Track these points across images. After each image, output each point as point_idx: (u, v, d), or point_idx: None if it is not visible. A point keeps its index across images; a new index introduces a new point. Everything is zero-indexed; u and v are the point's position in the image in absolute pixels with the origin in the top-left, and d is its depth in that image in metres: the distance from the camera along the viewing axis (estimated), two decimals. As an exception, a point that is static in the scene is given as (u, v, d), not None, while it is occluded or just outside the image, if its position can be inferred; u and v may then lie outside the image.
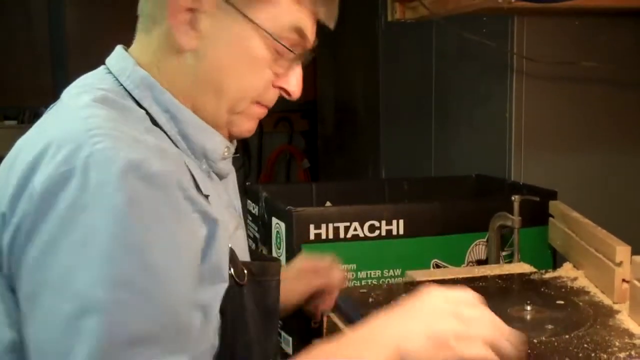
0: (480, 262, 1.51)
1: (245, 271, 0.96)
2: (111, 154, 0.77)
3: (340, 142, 3.52)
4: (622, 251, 1.12)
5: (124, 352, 0.75)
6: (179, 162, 0.87)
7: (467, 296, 0.88)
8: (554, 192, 1.57)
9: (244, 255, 1.01)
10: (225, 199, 1.02)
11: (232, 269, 0.93)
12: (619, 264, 1.13)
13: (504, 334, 0.85)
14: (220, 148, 0.95)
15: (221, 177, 1.02)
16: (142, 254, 0.79)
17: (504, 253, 1.51)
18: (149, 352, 0.76)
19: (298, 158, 4.14)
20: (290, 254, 1.43)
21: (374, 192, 1.84)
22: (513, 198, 1.40)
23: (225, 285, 0.90)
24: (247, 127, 0.97)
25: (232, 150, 1.00)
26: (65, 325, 0.74)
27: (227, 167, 1.02)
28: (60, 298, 0.75)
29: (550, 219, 1.50)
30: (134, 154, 0.78)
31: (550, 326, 1.05)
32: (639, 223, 1.81)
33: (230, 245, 0.94)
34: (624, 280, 1.11)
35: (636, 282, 1.05)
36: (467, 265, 1.49)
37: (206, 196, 0.90)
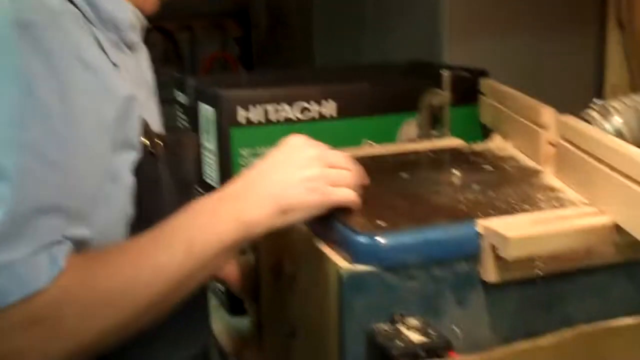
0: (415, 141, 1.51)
1: (159, 142, 0.95)
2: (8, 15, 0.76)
3: (274, 46, 3.46)
4: (547, 113, 1.13)
5: (28, 221, 0.75)
6: (83, 27, 0.85)
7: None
8: (485, 70, 1.57)
9: (157, 128, 1.00)
10: (137, 73, 1.00)
11: (144, 140, 0.92)
12: (544, 127, 1.13)
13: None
14: (129, 16, 0.94)
15: (132, 48, 1.00)
16: (47, 120, 0.77)
17: (435, 132, 1.51)
18: (55, 221, 0.77)
19: (233, 65, 4.06)
20: (221, 140, 1.40)
21: (307, 80, 1.81)
22: (442, 73, 1.39)
23: (135, 154, 0.89)
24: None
25: (142, 20, 0.98)
26: None
27: (137, 38, 1.00)
28: None
29: (481, 96, 1.50)
30: (34, 15, 0.77)
31: (476, 186, 1.06)
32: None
33: (142, 116, 0.92)
34: (549, 142, 1.12)
35: (562, 142, 1.05)
36: (399, 144, 1.49)
37: (115, 65, 0.88)
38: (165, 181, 0.96)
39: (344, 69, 1.86)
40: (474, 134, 1.51)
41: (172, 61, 4.05)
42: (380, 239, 0.88)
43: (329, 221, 0.94)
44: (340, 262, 0.90)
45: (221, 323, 1.52)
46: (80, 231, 0.81)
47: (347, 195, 0.93)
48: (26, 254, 0.75)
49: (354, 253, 0.89)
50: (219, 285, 1.57)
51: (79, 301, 0.79)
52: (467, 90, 1.51)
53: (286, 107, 1.43)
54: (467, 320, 0.92)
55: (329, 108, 1.45)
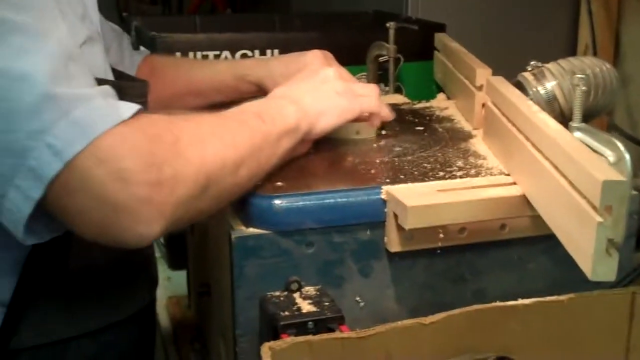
0: (361, 97, 1.45)
1: None
2: None
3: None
4: (482, 74, 1.07)
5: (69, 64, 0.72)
6: None
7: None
8: (442, 25, 1.50)
9: (99, 72, 0.95)
10: (77, 9, 0.94)
11: None
12: (479, 88, 1.07)
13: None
14: None
15: None
16: None
17: (387, 88, 1.45)
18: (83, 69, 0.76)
19: (220, 7, 3.97)
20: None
21: (264, 28, 1.74)
22: (388, 25, 1.32)
23: None
24: None
25: None
26: None
27: None
28: None
29: (435, 52, 1.43)
30: None
31: (398, 149, 1.00)
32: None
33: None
34: (483, 104, 1.06)
35: (489, 104, 1.00)
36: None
37: None
38: None
39: (305, 18, 1.79)
40: (428, 90, 1.45)
41: (159, 1, 3.97)
42: (274, 202, 0.83)
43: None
44: (235, 223, 0.85)
45: (160, 277, 1.49)
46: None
47: (371, 103, 0.99)
48: (96, 92, 0.72)
49: (248, 215, 0.84)
50: (161, 239, 1.53)
51: (180, 127, 0.77)
52: (422, 47, 1.44)
53: (228, 54, 1.37)
54: (371, 291, 0.87)
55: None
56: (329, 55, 1.12)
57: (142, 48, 1.41)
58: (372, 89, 1.01)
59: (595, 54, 1.60)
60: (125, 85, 0.97)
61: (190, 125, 0.78)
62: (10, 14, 0.70)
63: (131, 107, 0.72)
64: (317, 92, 0.94)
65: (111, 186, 0.68)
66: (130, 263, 1.01)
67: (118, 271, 0.99)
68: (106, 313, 0.98)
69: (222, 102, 1.18)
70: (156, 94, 1.25)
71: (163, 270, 1.50)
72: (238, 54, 1.37)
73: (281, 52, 1.38)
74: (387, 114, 1.02)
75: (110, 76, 0.99)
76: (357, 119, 0.98)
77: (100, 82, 0.89)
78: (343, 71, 1.04)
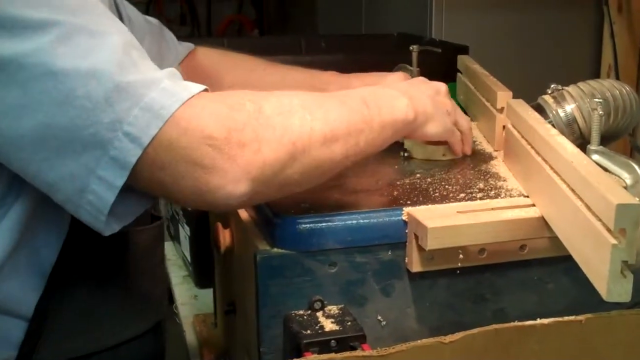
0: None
1: None
2: None
3: (285, 8, 3.42)
4: (503, 97, 1.08)
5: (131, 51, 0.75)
6: None
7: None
8: (465, 47, 1.52)
9: None
10: None
11: None
12: (500, 110, 1.09)
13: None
14: None
15: None
16: None
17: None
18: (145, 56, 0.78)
19: (248, 28, 4.03)
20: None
21: (290, 50, 1.78)
22: (411, 48, 1.34)
23: None
24: None
25: None
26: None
27: None
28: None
29: (458, 74, 1.45)
30: None
31: (419, 170, 1.02)
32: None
33: None
34: (504, 126, 1.07)
35: (510, 126, 1.01)
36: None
37: None
38: None
39: (331, 40, 1.82)
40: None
41: (188, 22, 4.03)
42: (299, 223, 0.85)
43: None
44: (260, 243, 0.87)
45: (187, 295, 1.51)
46: None
47: (457, 137, 1.02)
48: (162, 75, 0.74)
49: (273, 236, 0.87)
50: (187, 257, 1.56)
51: (266, 98, 0.78)
52: (445, 69, 1.46)
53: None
54: (393, 310, 0.89)
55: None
56: (408, 77, 1.14)
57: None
58: (468, 122, 1.05)
59: (618, 74, 1.61)
60: None
61: (278, 97, 0.79)
62: (71, 18, 0.73)
63: (199, 86, 0.75)
64: (433, 99, 0.95)
65: (198, 151, 0.71)
66: (144, 277, 1.03)
67: (135, 286, 1.01)
68: (125, 328, 0.99)
69: None
70: None
71: (190, 289, 1.53)
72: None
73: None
74: (470, 143, 1.06)
75: None
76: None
77: None
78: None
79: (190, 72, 1.24)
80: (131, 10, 1.17)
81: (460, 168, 1.03)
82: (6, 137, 0.72)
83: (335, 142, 0.80)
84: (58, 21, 0.72)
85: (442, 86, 1.00)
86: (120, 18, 1.13)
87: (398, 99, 0.89)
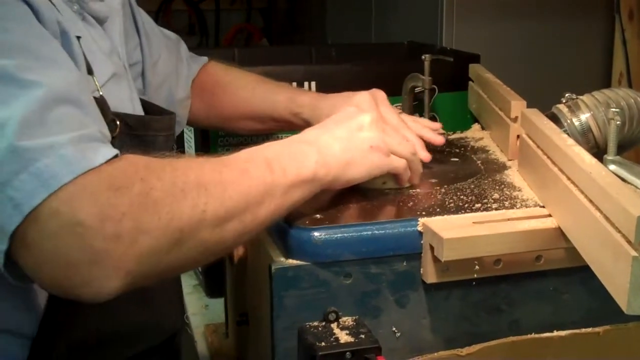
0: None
1: (118, 123, 0.92)
2: None
3: (293, 18, 3.42)
4: (517, 106, 1.08)
5: (51, 110, 0.71)
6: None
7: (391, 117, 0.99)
8: (477, 55, 1.52)
9: (124, 106, 0.97)
10: (105, 45, 0.97)
11: None
12: (514, 120, 1.09)
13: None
14: None
15: (99, 20, 0.98)
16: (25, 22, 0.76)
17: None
18: (77, 113, 0.73)
19: (256, 37, 4.03)
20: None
21: (300, 59, 1.78)
22: (423, 57, 1.34)
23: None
24: None
25: None
26: None
27: (104, 9, 0.97)
28: None
29: (470, 82, 1.45)
30: None
31: (434, 180, 1.02)
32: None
33: (101, 94, 0.89)
34: (518, 136, 1.07)
35: (524, 136, 1.01)
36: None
37: (77, 37, 0.86)
38: None
39: (341, 49, 1.81)
40: (463, 120, 1.47)
41: (197, 32, 4.04)
42: (313, 234, 0.85)
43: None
44: (275, 255, 0.87)
45: (197, 304, 1.51)
46: (105, 131, 0.76)
47: (401, 164, 0.94)
48: (66, 140, 0.69)
49: (287, 247, 0.86)
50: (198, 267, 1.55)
51: (160, 176, 0.72)
52: (456, 78, 1.46)
53: (266, 87, 1.40)
54: (408, 322, 0.88)
55: (310, 88, 1.41)
56: (380, 95, 1.09)
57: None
58: (409, 145, 0.96)
59: (630, 82, 1.61)
60: (149, 120, 0.99)
61: (174, 174, 0.73)
62: (1, 59, 0.71)
63: (106, 154, 0.70)
64: (349, 141, 0.89)
65: (64, 240, 0.66)
66: (158, 289, 1.02)
67: (147, 298, 0.99)
68: (134, 343, 0.99)
69: (281, 130, 1.21)
70: (217, 112, 1.27)
71: (200, 298, 1.52)
72: (283, 86, 1.39)
73: (317, 84, 1.41)
74: (417, 171, 0.97)
75: (138, 108, 1.01)
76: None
77: (122, 117, 0.92)
78: (389, 114, 1.02)
79: (200, 87, 1.25)
80: (150, 27, 1.17)
81: (475, 178, 1.03)
82: None
83: (229, 222, 0.75)
84: None
85: (365, 118, 0.91)
86: (138, 34, 1.13)
87: (306, 155, 0.84)
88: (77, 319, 0.90)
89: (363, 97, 1.08)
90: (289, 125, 1.19)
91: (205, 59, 1.30)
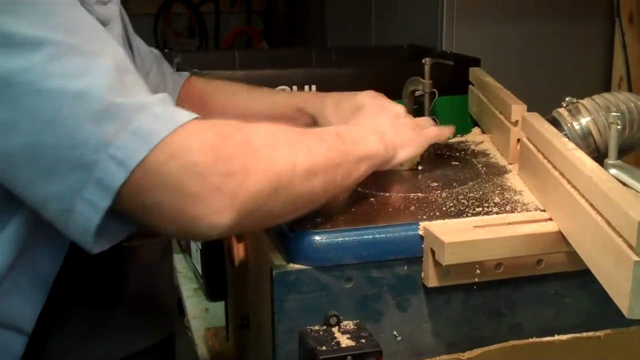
0: (397, 130, 1.47)
1: None
2: None
3: (293, 20, 3.42)
4: (518, 110, 1.08)
5: (124, 75, 0.74)
6: None
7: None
8: (477, 59, 1.52)
9: None
10: None
11: None
12: (515, 123, 1.09)
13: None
14: None
15: (101, 24, 0.98)
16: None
17: (422, 121, 1.46)
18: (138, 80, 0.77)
19: (256, 39, 4.03)
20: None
21: (300, 62, 1.78)
22: (424, 61, 1.34)
23: None
24: None
25: None
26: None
27: (106, 13, 0.97)
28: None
29: (470, 86, 1.45)
30: None
31: (434, 184, 1.02)
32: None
33: None
34: (518, 140, 1.07)
35: (525, 140, 1.01)
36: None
37: None
38: None
39: (341, 52, 1.81)
40: (464, 124, 1.47)
41: (197, 34, 4.04)
42: (314, 238, 0.85)
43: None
44: (276, 259, 0.87)
45: (198, 308, 1.51)
46: None
47: (437, 130, 1.06)
48: (154, 100, 0.73)
49: (288, 251, 0.86)
50: (198, 269, 1.56)
51: (253, 130, 0.78)
52: (457, 81, 1.46)
53: (266, 90, 1.40)
54: (409, 325, 0.89)
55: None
56: (381, 94, 1.14)
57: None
58: (428, 120, 1.10)
59: (630, 85, 1.61)
60: None
61: (264, 129, 0.80)
62: (65, 37, 0.72)
63: (190, 114, 0.74)
64: (395, 127, 0.99)
65: (184, 178, 0.70)
66: (151, 292, 1.03)
67: (140, 300, 1.01)
68: (131, 342, 0.99)
69: None
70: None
71: (200, 301, 1.53)
72: (277, 89, 1.39)
73: (318, 87, 1.41)
74: (446, 136, 1.10)
75: None
76: None
77: None
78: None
79: (185, 99, 1.25)
80: (140, 43, 1.18)
81: (476, 181, 1.03)
82: None
83: (315, 176, 0.81)
84: (51, 40, 0.71)
85: (399, 109, 1.05)
86: (132, 52, 1.14)
87: (369, 134, 0.92)
88: (75, 315, 0.91)
89: (368, 94, 1.12)
90: (291, 124, 1.19)
91: (187, 73, 1.31)
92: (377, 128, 0.95)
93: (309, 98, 1.20)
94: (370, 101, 1.09)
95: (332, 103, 1.15)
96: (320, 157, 0.82)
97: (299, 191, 0.79)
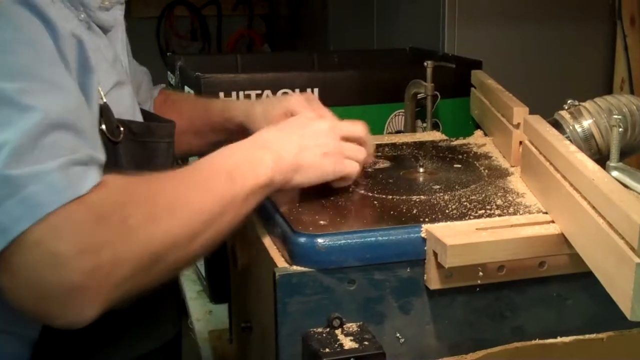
0: (399, 133, 1.48)
1: (122, 129, 0.93)
2: None
3: (295, 24, 3.43)
4: (520, 112, 1.08)
5: (45, 136, 0.73)
6: None
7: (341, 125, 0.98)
8: (479, 61, 1.52)
9: (127, 114, 0.98)
10: (109, 54, 0.98)
11: (104, 125, 0.90)
12: (517, 126, 1.09)
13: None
14: None
15: (104, 29, 0.98)
16: (32, 47, 0.78)
17: (424, 124, 1.47)
18: (70, 138, 0.75)
19: (258, 42, 4.04)
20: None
21: (302, 65, 1.78)
22: (426, 64, 1.35)
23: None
24: None
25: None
26: None
27: (109, 19, 0.98)
28: None
29: (472, 89, 1.45)
30: None
31: (437, 186, 1.02)
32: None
33: (105, 101, 0.90)
34: (520, 142, 1.07)
35: (527, 142, 1.01)
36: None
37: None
38: (126, 167, 0.94)
39: (343, 55, 1.82)
40: (465, 126, 1.47)
41: (199, 38, 4.05)
42: (317, 241, 0.85)
43: (275, 214, 0.92)
44: (279, 261, 0.87)
45: (202, 310, 1.51)
46: (98, 155, 0.78)
47: (355, 168, 0.97)
48: (55, 166, 0.71)
49: (292, 253, 0.86)
50: (202, 272, 1.56)
51: (136, 202, 0.76)
52: (458, 84, 1.46)
53: (269, 93, 1.41)
54: (411, 328, 0.89)
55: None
56: (313, 98, 1.12)
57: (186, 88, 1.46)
58: (360, 151, 0.98)
59: (631, 87, 1.61)
60: (154, 127, 1.01)
61: (148, 197, 0.78)
62: (4, 83, 0.73)
63: (92, 180, 0.73)
64: (303, 147, 0.93)
65: (42, 271, 0.68)
66: (156, 296, 1.03)
67: (144, 305, 1.01)
68: (135, 346, 0.99)
69: (219, 141, 1.17)
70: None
71: (204, 304, 1.53)
72: (279, 92, 1.40)
73: (320, 91, 1.42)
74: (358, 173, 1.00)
75: (138, 116, 1.02)
76: None
77: (126, 123, 0.93)
78: (325, 113, 1.04)
79: (158, 106, 1.26)
80: (129, 58, 1.18)
81: (478, 184, 1.03)
82: None
83: (196, 239, 0.80)
84: None
85: (321, 126, 0.96)
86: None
87: (262, 162, 0.89)
88: None
89: (298, 100, 1.10)
90: (224, 133, 1.18)
91: (162, 85, 1.33)
92: (278, 147, 0.91)
93: (238, 107, 1.19)
94: (300, 107, 1.07)
95: (260, 109, 1.14)
96: (202, 216, 0.80)
97: (178, 259, 0.79)
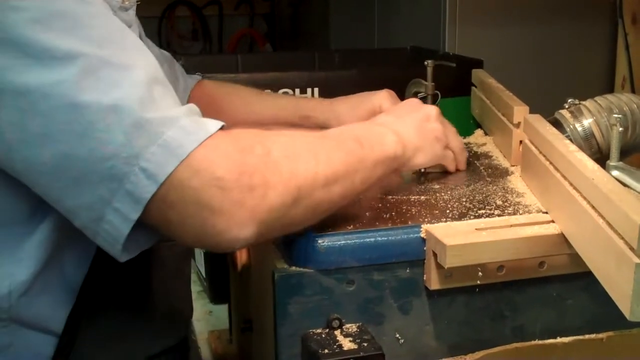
0: (399, 133, 1.47)
1: None
2: None
3: (296, 23, 3.43)
4: (520, 111, 1.08)
5: (155, 88, 0.75)
6: None
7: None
8: (480, 61, 1.52)
9: None
10: None
11: None
12: (517, 125, 1.09)
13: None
14: None
15: None
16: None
17: (425, 123, 1.46)
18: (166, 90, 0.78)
19: (260, 42, 4.03)
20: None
21: (303, 65, 1.78)
22: (426, 63, 1.34)
23: None
24: None
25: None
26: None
27: (127, 18, 0.98)
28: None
29: (473, 88, 1.45)
30: None
31: (437, 186, 1.02)
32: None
33: None
34: (521, 142, 1.07)
35: (527, 142, 1.01)
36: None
37: None
38: None
39: (344, 54, 1.82)
40: (466, 125, 1.46)
41: (200, 37, 4.04)
42: (317, 241, 0.85)
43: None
44: (278, 262, 0.87)
45: (202, 311, 1.51)
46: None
47: (451, 157, 1.05)
48: (181, 112, 0.75)
49: (291, 254, 0.86)
50: (202, 272, 1.56)
51: (273, 141, 0.79)
52: (459, 83, 1.46)
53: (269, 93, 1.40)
54: (411, 328, 0.89)
55: (313, 94, 1.42)
56: (395, 95, 1.15)
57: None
58: (460, 142, 1.07)
59: (632, 86, 1.61)
60: None
61: (283, 139, 0.82)
62: (97, 50, 0.74)
63: (217, 124, 0.76)
64: (419, 129, 0.97)
65: (207, 193, 0.72)
66: (172, 295, 1.04)
67: (163, 301, 1.01)
68: (154, 342, 1.00)
69: None
70: None
71: (204, 304, 1.53)
72: (280, 92, 1.40)
73: (321, 90, 1.41)
74: (464, 160, 1.09)
75: None
76: None
77: None
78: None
79: (195, 101, 1.25)
80: (151, 45, 1.19)
81: (478, 183, 1.03)
82: (28, 163, 0.74)
83: (335, 184, 0.82)
84: (84, 53, 0.73)
85: (431, 111, 1.01)
86: None
87: (387, 136, 0.92)
88: (101, 317, 0.92)
89: (384, 95, 1.14)
90: (297, 129, 1.19)
91: (198, 76, 1.32)
92: (399, 128, 0.94)
93: (316, 107, 1.21)
94: (389, 103, 1.11)
95: (346, 107, 1.16)
96: (339, 164, 0.83)
97: (319, 199, 0.81)
